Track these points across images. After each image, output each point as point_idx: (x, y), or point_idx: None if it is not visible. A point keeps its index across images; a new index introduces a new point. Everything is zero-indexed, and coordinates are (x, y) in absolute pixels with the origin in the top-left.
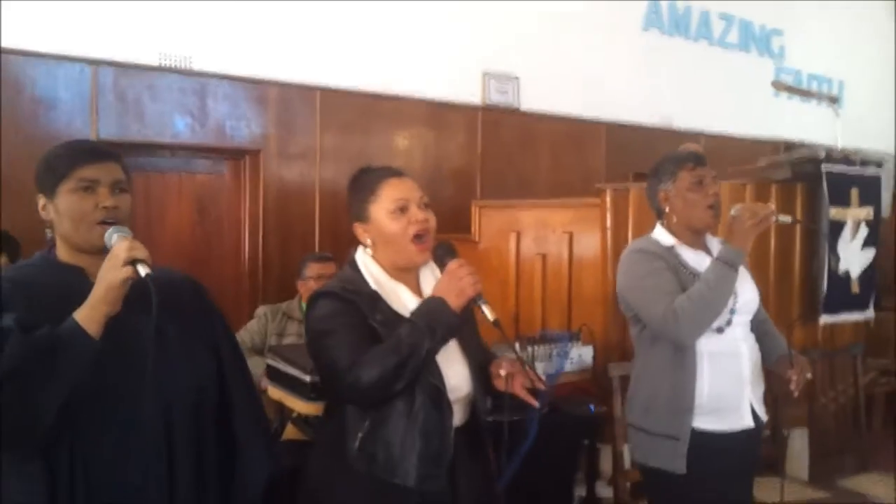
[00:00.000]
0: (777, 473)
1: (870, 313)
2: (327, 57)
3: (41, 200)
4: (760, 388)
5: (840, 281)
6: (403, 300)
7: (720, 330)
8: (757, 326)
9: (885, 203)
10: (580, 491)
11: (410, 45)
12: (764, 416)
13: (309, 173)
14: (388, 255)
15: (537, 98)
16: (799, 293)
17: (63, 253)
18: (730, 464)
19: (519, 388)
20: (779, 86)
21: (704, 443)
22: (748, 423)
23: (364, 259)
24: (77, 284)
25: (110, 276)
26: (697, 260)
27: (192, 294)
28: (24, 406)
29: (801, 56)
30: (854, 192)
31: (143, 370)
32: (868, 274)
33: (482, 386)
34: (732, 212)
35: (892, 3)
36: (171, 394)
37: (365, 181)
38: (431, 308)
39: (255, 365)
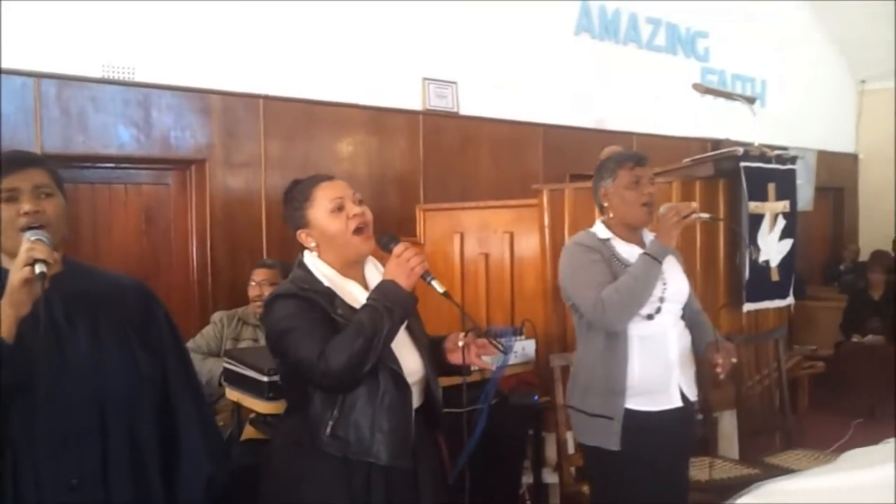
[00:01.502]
0: (708, 453)
1: (790, 300)
2: (269, 65)
3: None
4: (690, 371)
5: (761, 270)
6: (355, 295)
7: (650, 317)
8: (690, 316)
9: (805, 197)
10: (527, 478)
11: (350, 52)
12: (693, 397)
13: (255, 181)
14: (334, 253)
15: (476, 102)
16: (724, 283)
17: (2, 260)
18: (661, 441)
19: (474, 357)
20: (699, 87)
21: (637, 422)
22: (677, 403)
23: (312, 260)
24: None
25: (11, 278)
26: (630, 252)
27: (137, 298)
28: None
29: (724, 57)
30: (771, 187)
31: (74, 368)
32: (787, 263)
33: (434, 368)
34: (661, 210)
35: (815, 2)
36: (104, 395)
37: (298, 190)
38: (386, 291)
39: (213, 367)
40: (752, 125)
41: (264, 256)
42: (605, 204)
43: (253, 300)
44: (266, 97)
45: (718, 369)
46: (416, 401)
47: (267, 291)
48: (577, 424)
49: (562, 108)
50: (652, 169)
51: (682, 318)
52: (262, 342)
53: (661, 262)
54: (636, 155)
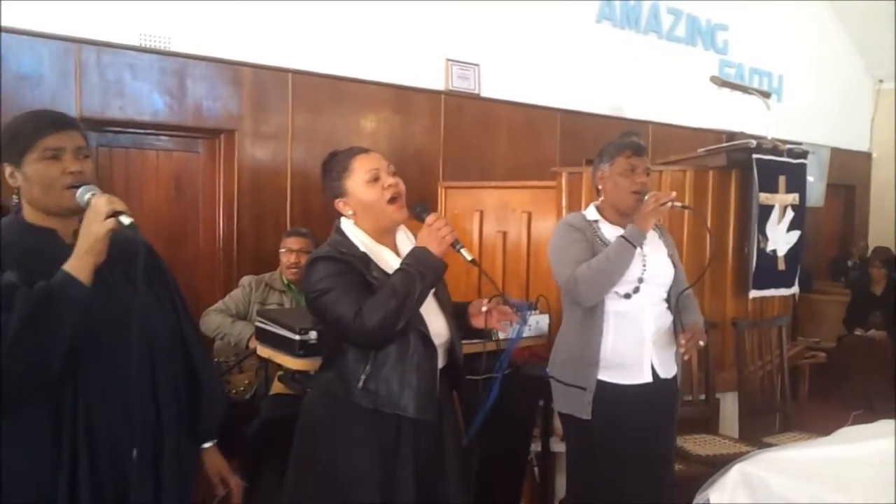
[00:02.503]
0: (710, 431)
1: (795, 289)
2: (299, 41)
3: (8, 169)
4: (668, 350)
5: (768, 259)
6: (387, 260)
7: (627, 296)
8: (680, 300)
9: (817, 193)
10: (535, 446)
11: (377, 32)
12: (667, 375)
13: (281, 152)
14: (370, 220)
15: (497, 85)
16: (732, 270)
17: (32, 216)
18: (630, 413)
19: (496, 322)
20: (716, 80)
21: (608, 393)
22: (647, 378)
23: (349, 227)
24: (51, 244)
25: (95, 229)
26: (614, 235)
27: (146, 251)
28: (36, 351)
29: (743, 51)
30: (782, 180)
31: (128, 316)
32: (793, 254)
33: (458, 332)
34: (645, 197)
35: (836, 2)
36: (150, 333)
37: (337, 161)
38: (419, 256)
39: (243, 329)
40: (766, 119)
41: (288, 226)
42: (599, 187)
43: (288, 267)
44: (295, 71)
45: (682, 349)
46: (440, 361)
47: (303, 259)
48: (555, 393)
49: (580, 95)
50: (649, 159)
51: (668, 299)
52: (287, 307)
53: (635, 246)
54: (635, 144)
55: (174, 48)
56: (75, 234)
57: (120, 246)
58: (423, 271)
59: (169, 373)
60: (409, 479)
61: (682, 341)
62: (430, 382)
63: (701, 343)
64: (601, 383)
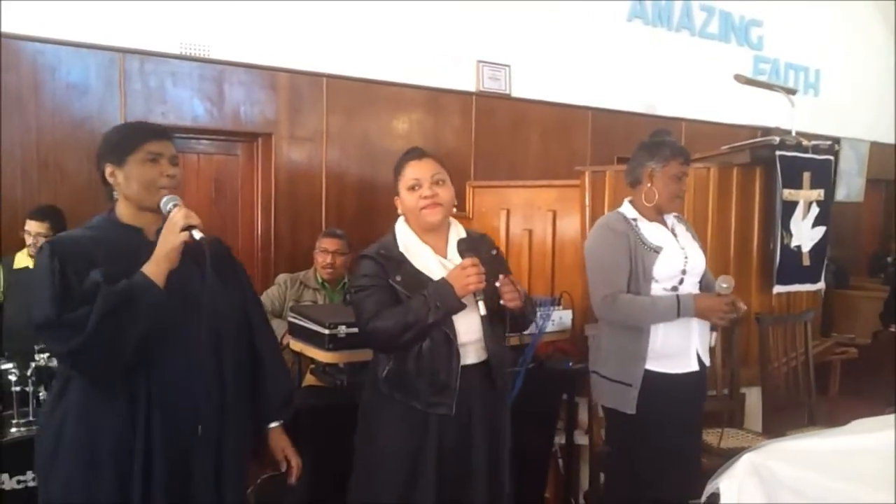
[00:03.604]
0: (734, 425)
1: (820, 284)
2: (333, 46)
3: (108, 168)
4: (707, 338)
5: (792, 255)
6: (425, 260)
7: (675, 289)
8: (705, 285)
9: (856, 188)
10: (560, 438)
11: (408, 35)
12: (707, 362)
13: (316, 155)
14: (412, 221)
15: (527, 85)
16: (756, 265)
17: (125, 214)
18: (677, 402)
19: (507, 299)
20: (740, 78)
21: (656, 383)
22: (694, 367)
23: (400, 226)
24: (137, 241)
25: (171, 239)
26: (654, 233)
27: (222, 250)
28: (114, 342)
29: (779, 45)
30: (806, 176)
31: (197, 306)
32: (818, 249)
33: (493, 331)
34: (723, 285)
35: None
36: (218, 322)
37: (398, 163)
38: (440, 290)
39: (277, 326)
40: (791, 115)
41: (323, 227)
42: (648, 183)
43: (323, 267)
44: (329, 76)
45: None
46: (472, 358)
47: (338, 259)
48: (596, 387)
49: (612, 93)
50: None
51: (700, 286)
52: (321, 304)
53: (678, 317)
54: (686, 153)
55: (213, 55)
56: (158, 232)
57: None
58: (439, 304)
59: (235, 355)
60: (430, 477)
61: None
62: (445, 380)
63: (743, 306)
64: (650, 374)
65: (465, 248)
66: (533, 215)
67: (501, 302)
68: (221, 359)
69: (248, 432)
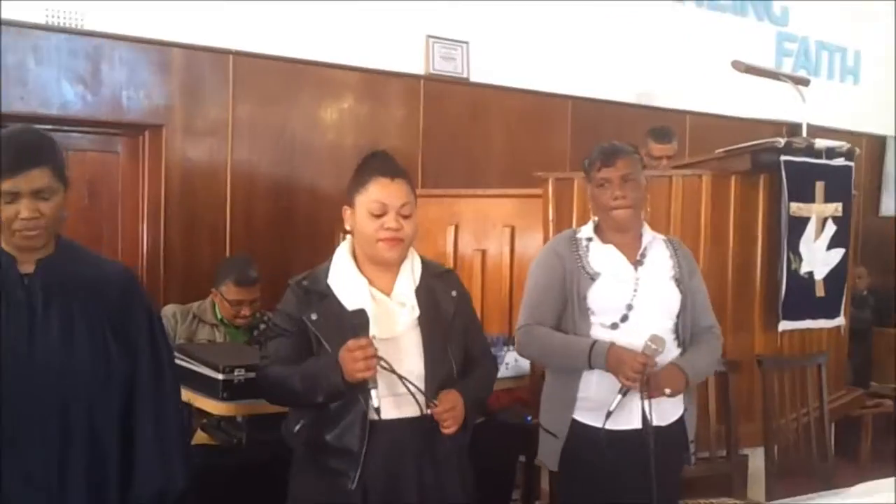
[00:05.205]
0: (734, 494)
1: (840, 321)
2: (243, 16)
3: None
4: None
5: (802, 283)
6: (356, 296)
7: (614, 326)
8: (697, 333)
9: None
10: None
11: (340, 3)
12: (661, 421)
13: (220, 152)
14: (360, 246)
15: (490, 67)
16: (759, 297)
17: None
18: (612, 465)
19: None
20: (738, 66)
21: (583, 436)
22: (635, 424)
23: (343, 249)
24: (8, 270)
25: None
26: (601, 256)
27: (120, 288)
28: None
29: (809, 21)
30: (819, 186)
31: (39, 361)
32: (836, 276)
33: (437, 382)
34: (651, 345)
35: None
36: (70, 388)
37: (364, 168)
38: (328, 368)
39: None
40: (800, 111)
41: (227, 242)
42: (589, 205)
43: (230, 319)
44: (237, 53)
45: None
46: (409, 409)
47: (247, 312)
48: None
49: (597, 78)
50: (633, 161)
51: (676, 331)
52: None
53: (590, 366)
54: (605, 151)
55: (87, 26)
56: (38, 263)
57: (87, 278)
58: (325, 386)
59: (85, 437)
60: None
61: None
62: (350, 443)
63: (668, 392)
64: (578, 425)
65: (356, 323)
66: (487, 232)
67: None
68: (68, 441)
69: None
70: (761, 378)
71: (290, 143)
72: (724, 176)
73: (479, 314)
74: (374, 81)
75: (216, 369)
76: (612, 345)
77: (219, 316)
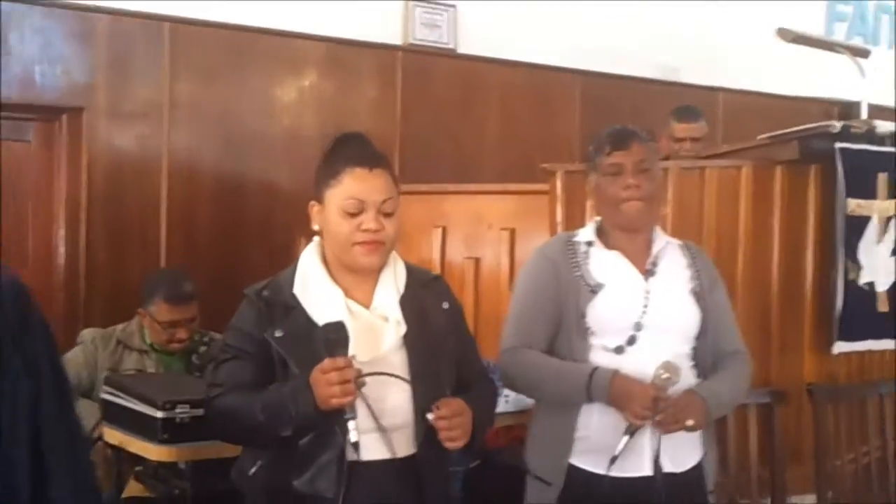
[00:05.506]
0: None
1: None
2: None
3: None
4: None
5: (862, 296)
6: (327, 309)
7: (619, 350)
8: (720, 359)
9: None
10: None
11: None
12: (676, 468)
13: (154, 139)
14: (332, 250)
15: (482, 36)
16: (810, 313)
17: None
18: None
19: (443, 438)
20: (785, 35)
21: (583, 485)
22: (646, 470)
23: (310, 253)
24: None
25: None
26: (605, 264)
27: (13, 301)
28: None
29: None
30: (882, 179)
31: None
32: None
33: (429, 401)
34: (662, 374)
35: None
36: None
37: (336, 156)
38: (299, 394)
39: (85, 410)
40: (861, 88)
41: (162, 252)
42: (591, 202)
43: (163, 344)
44: (174, 20)
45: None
46: (402, 449)
47: (182, 334)
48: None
49: (612, 50)
50: (648, 147)
51: (695, 357)
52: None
53: (589, 398)
54: (617, 133)
55: None
56: None
57: None
58: (295, 416)
59: None
60: None
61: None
62: (326, 487)
63: (689, 424)
64: (576, 471)
65: (332, 340)
66: (481, 236)
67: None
68: None
69: None
70: (813, 411)
71: (240, 130)
72: (767, 167)
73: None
74: (341, 53)
75: (154, 405)
76: (617, 373)
77: (148, 341)
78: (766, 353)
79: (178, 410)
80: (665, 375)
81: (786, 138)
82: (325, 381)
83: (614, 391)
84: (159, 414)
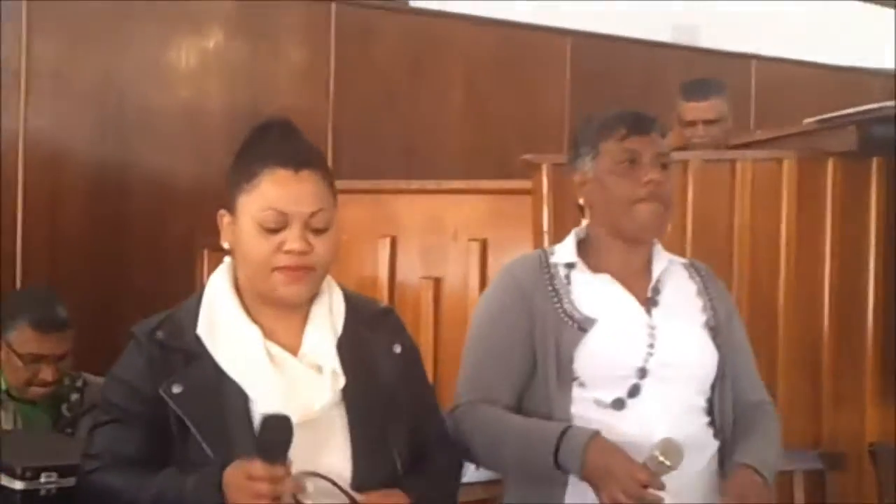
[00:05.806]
0: None
1: None
2: None
3: None
4: (699, 498)
5: None
6: (241, 353)
7: (618, 404)
8: (742, 412)
9: None
10: None
11: None
12: None
13: (4, 116)
14: (248, 276)
15: None
16: (873, 348)
17: None
18: None
19: None
20: None
21: None
22: None
23: (219, 278)
24: None
25: None
26: (594, 292)
27: None
28: None
29: None
30: None
31: None
32: None
33: (374, 489)
34: (658, 456)
35: None
36: None
37: (251, 151)
38: (195, 494)
39: None
40: None
41: (17, 266)
42: (581, 200)
43: (22, 388)
44: None
45: None
46: None
47: (49, 375)
48: None
49: (611, 7)
50: (663, 140)
51: (711, 411)
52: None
53: (556, 465)
54: (633, 115)
55: None
56: None
57: None
58: None
59: None
60: None
61: None
62: None
63: None
64: None
65: (270, 440)
66: (443, 249)
67: None
68: None
69: None
70: (877, 477)
71: (119, 105)
72: (816, 160)
73: (431, 373)
74: (256, 8)
75: (12, 474)
76: (596, 437)
77: (3, 385)
78: (816, 404)
79: (42, 480)
80: (661, 459)
81: (840, 123)
82: (250, 492)
83: (590, 461)
84: (18, 485)
